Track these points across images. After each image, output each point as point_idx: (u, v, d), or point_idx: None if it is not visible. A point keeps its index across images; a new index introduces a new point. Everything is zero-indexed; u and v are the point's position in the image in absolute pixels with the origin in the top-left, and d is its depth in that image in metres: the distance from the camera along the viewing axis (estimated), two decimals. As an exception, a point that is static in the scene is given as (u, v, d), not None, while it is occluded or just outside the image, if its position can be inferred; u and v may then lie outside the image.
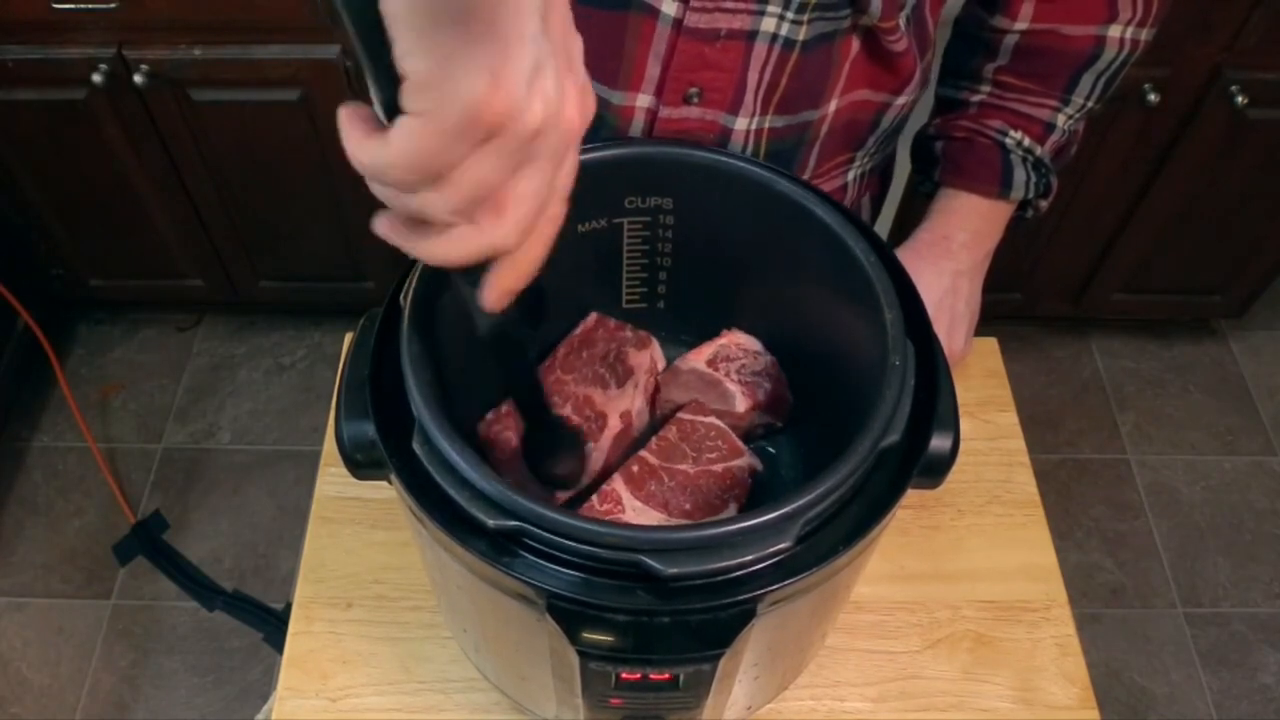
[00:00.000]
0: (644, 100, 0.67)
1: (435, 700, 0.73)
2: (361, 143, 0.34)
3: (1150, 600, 1.70)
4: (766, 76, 0.65)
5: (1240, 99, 1.45)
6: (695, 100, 0.66)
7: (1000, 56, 0.75)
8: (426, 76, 0.31)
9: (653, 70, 0.65)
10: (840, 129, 0.72)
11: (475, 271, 0.40)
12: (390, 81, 0.32)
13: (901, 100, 0.73)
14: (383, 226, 0.38)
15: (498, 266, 0.39)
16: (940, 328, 0.76)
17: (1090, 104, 0.76)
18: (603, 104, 0.67)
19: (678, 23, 0.62)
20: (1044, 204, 0.80)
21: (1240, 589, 1.71)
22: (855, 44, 0.66)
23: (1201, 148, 1.55)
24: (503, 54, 0.31)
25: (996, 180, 0.76)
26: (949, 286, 0.77)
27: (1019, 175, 0.76)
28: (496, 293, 0.40)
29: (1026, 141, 0.76)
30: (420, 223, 0.36)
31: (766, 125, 0.68)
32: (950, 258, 0.77)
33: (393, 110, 0.33)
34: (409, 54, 0.31)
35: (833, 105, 0.69)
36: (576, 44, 0.36)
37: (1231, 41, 1.41)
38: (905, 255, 0.77)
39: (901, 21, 0.65)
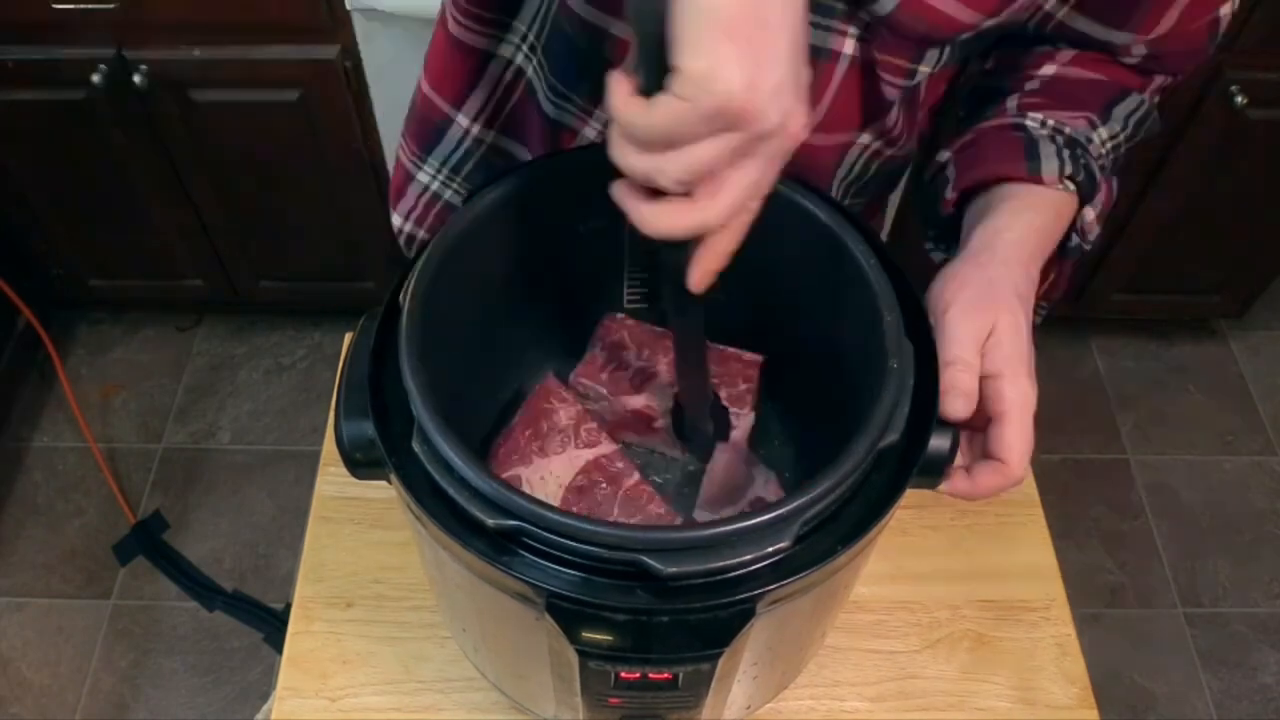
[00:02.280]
0: None
1: (435, 700, 0.73)
2: (627, 101, 0.42)
3: (1150, 600, 1.70)
4: None
5: (1240, 99, 1.45)
6: None
7: (1025, 89, 0.67)
8: (699, 73, 0.39)
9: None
10: (807, 166, 0.68)
11: (681, 253, 0.47)
12: (659, 69, 0.40)
13: (889, 152, 0.70)
14: (618, 191, 0.45)
15: (701, 250, 0.46)
16: (1026, 374, 0.57)
17: (1123, 139, 0.67)
18: None
19: None
20: (1091, 215, 0.64)
21: (1240, 589, 1.71)
22: (843, 68, 0.64)
23: (1201, 148, 1.55)
24: (759, 67, 0.39)
25: (1020, 155, 0.63)
26: (1017, 317, 0.58)
27: (1046, 147, 0.63)
28: (700, 273, 0.47)
29: (1053, 121, 0.65)
30: (648, 192, 0.44)
31: None
32: (1005, 271, 0.60)
33: (653, 89, 0.41)
34: (692, 55, 0.38)
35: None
36: (806, 74, 0.43)
37: (1231, 41, 1.41)
38: (961, 296, 0.58)
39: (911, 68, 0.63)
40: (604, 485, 0.65)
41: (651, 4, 0.39)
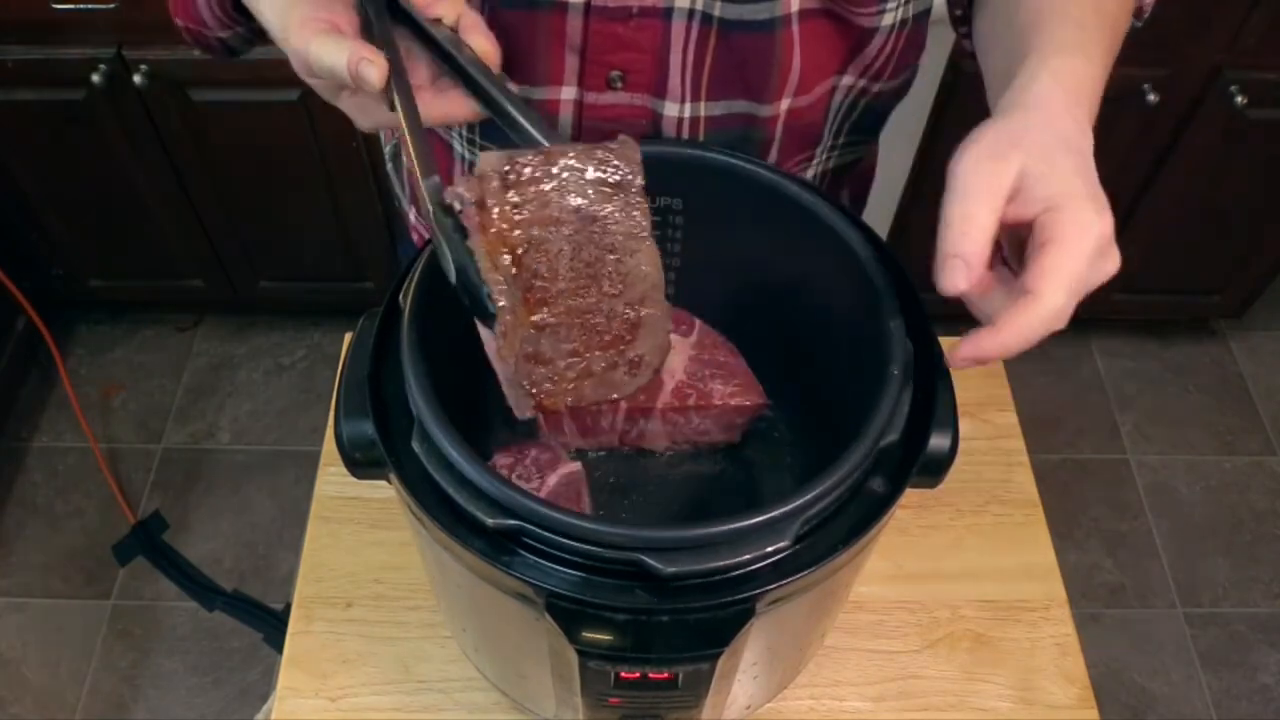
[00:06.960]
0: (568, 93, 0.66)
1: (435, 700, 0.73)
2: None
3: (1150, 600, 1.70)
4: (690, 56, 0.64)
5: (1240, 99, 1.45)
6: (619, 85, 0.65)
7: None
8: None
9: (571, 62, 0.64)
10: (800, 128, 0.69)
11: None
12: None
13: (876, 88, 0.69)
14: None
15: None
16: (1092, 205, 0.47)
17: None
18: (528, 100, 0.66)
19: (587, 7, 0.61)
20: None
21: (1240, 589, 1.71)
22: (800, 28, 0.62)
23: (1201, 148, 1.55)
24: None
25: None
26: (1053, 156, 0.47)
27: None
28: None
29: None
30: None
31: (702, 113, 0.67)
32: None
33: None
34: None
35: (784, 104, 0.66)
36: None
37: (1231, 41, 1.41)
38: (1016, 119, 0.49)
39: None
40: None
41: None
